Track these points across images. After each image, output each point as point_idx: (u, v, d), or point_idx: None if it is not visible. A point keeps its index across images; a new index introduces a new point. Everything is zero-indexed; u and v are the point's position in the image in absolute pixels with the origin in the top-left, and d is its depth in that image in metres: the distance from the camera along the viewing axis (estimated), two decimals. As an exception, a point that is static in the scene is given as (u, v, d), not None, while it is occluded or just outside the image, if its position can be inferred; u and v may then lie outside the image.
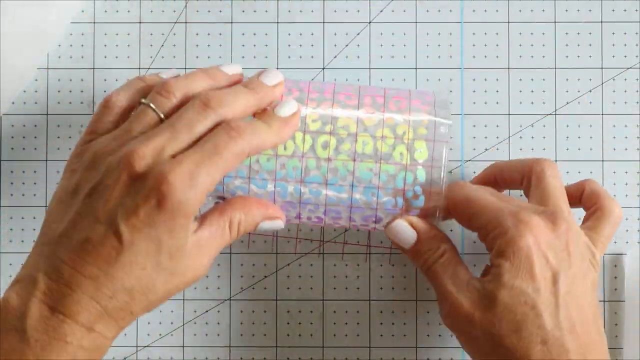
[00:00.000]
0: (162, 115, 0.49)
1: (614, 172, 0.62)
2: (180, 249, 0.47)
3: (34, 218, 0.62)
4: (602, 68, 0.62)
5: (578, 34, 0.62)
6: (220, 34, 0.63)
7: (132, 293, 0.47)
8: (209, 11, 0.63)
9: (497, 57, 0.62)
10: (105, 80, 0.62)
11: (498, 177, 0.58)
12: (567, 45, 0.62)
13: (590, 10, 0.62)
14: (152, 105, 0.50)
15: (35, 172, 0.62)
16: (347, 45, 0.62)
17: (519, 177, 0.56)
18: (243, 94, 0.51)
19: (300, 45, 0.62)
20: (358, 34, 0.63)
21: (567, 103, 0.62)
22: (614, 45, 0.62)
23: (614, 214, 0.55)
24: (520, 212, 0.51)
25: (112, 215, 0.46)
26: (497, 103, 0.62)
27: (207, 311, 0.62)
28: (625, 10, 0.62)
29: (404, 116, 0.53)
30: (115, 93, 0.52)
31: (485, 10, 0.62)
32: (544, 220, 0.51)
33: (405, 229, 0.54)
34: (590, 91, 0.62)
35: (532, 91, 0.62)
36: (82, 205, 0.47)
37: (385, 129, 0.53)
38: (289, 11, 0.63)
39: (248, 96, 0.51)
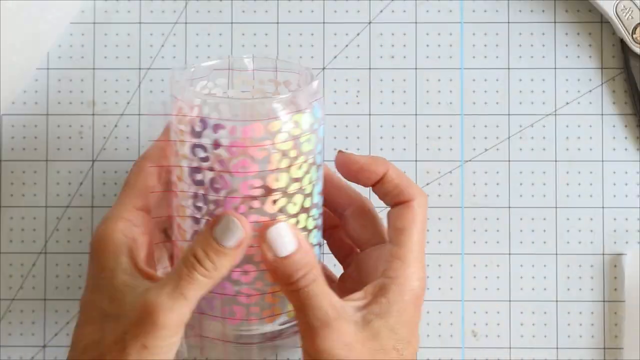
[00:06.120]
0: None
1: (614, 172, 0.62)
2: None
3: (34, 218, 0.62)
4: (602, 68, 0.62)
5: (578, 34, 0.62)
6: (220, 34, 0.63)
7: None
8: (209, 11, 0.63)
9: (497, 57, 0.62)
10: (105, 80, 0.62)
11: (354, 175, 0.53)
12: (566, 45, 0.62)
13: (590, 11, 0.62)
14: None
15: (35, 172, 0.62)
16: (347, 45, 0.62)
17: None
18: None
19: (300, 46, 0.62)
20: (358, 34, 0.63)
21: (567, 103, 0.62)
22: (613, 45, 0.62)
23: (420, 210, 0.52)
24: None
25: None
26: (497, 103, 0.62)
27: (207, 311, 0.62)
28: (625, 11, 0.62)
29: None
30: None
31: (485, 10, 0.62)
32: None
33: (288, 234, 0.48)
34: (590, 91, 0.62)
35: (532, 91, 0.62)
36: None
37: None
38: (289, 11, 0.63)
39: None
